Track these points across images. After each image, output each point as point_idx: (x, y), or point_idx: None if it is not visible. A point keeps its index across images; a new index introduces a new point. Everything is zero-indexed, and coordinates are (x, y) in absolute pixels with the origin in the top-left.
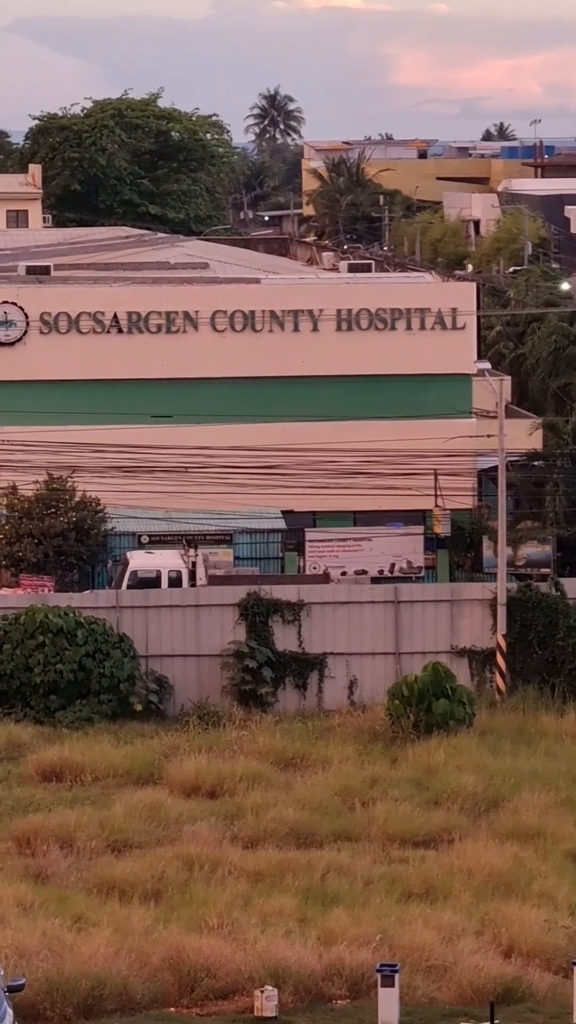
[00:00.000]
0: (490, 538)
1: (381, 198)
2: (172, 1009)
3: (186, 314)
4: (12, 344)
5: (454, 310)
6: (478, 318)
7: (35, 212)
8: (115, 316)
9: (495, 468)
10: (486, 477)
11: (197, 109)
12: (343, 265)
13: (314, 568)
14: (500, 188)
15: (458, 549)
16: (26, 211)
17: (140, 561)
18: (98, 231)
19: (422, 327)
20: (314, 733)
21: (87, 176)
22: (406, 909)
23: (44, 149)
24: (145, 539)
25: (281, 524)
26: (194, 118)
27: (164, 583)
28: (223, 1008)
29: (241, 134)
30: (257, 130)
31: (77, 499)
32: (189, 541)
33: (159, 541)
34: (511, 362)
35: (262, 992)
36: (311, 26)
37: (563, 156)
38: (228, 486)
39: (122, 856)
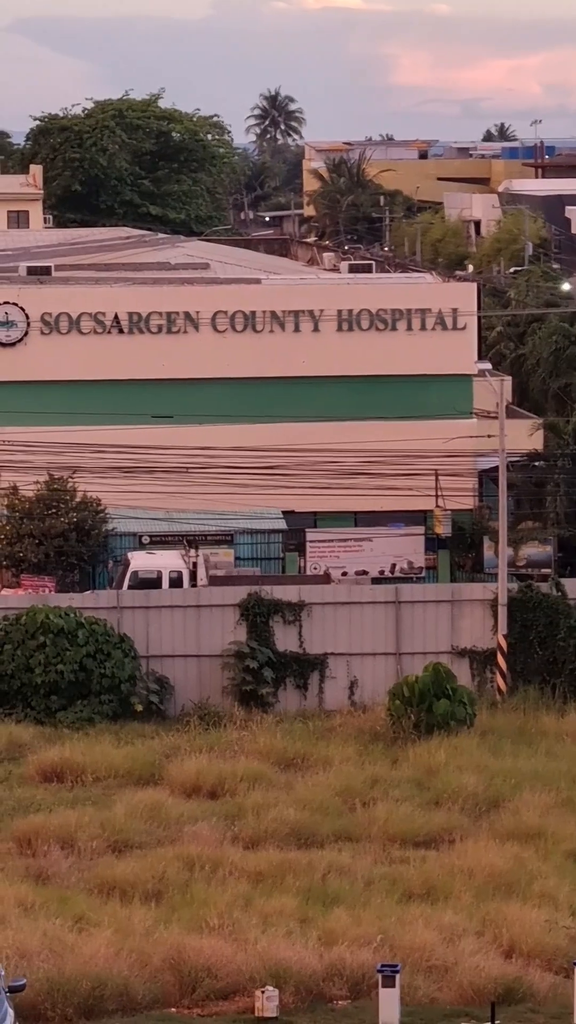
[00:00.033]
0: (491, 538)
1: (382, 199)
2: (173, 1009)
3: (187, 314)
4: (13, 344)
5: (455, 310)
6: (479, 318)
7: (36, 213)
8: (116, 317)
9: (496, 468)
10: (487, 477)
11: (198, 110)
12: (344, 266)
13: (315, 568)
14: (501, 188)
15: (459, 549)
16: (27, 212)
17: (141, 561)
18: (99, 232)
19: (423, 328)
20: (315, 733)
21: (88, 177)
22: (407, 909)
23: (45, 150)
24: (146, 539)
25: (282, 524)
26: (195, 119)
27: (165, 583)
28: (224, 1008)
29: (242, 134)
30: (258, 130)
31: (78, 499)
32: (190, 541)
33: (160, 541)
34: (512, 362)
35: (263, 992)
36: (311, 26)
37: (563, 156)
38: (229, 486)
39: (123, 856)
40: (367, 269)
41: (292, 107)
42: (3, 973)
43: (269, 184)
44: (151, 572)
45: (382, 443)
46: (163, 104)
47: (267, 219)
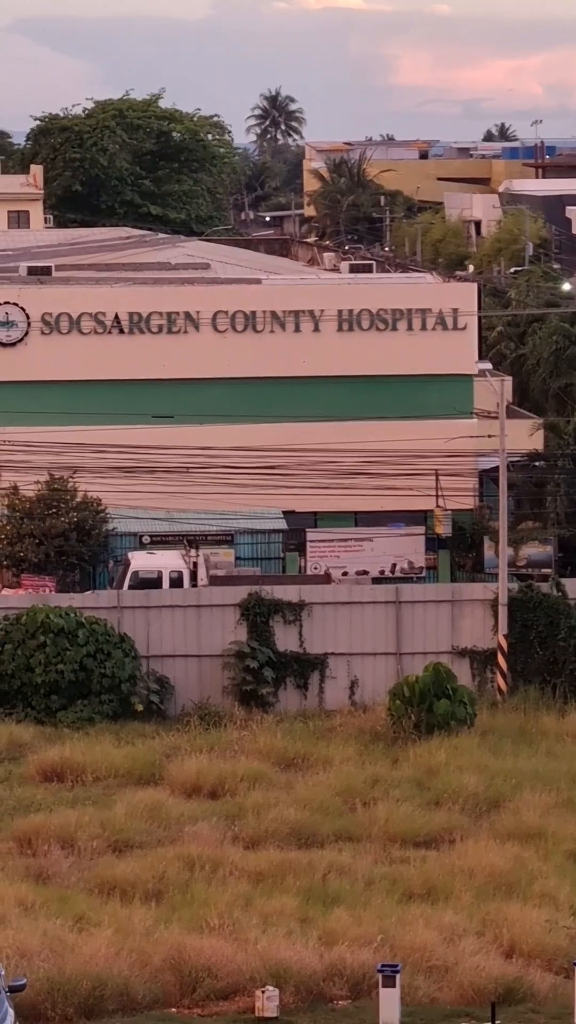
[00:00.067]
0: (491, 538)
1: (382, 199)
2: (173, 1009)
3: (187, 314)
4: (13, 344)
5: (455, 311)
6: (479, 319)
7: (36, 213)
8: (116, 317)
9: (496, 468)
10: (487, 477)
11: (198, 110)
12: (344, 266)
13: (315, 568)
14: (501, 189)
15: (459, 549)
16: (27, 212)
17: (141, 561)
18: (99, 232)
19: (423, 328)
20: (315, 733)
21: (88, 177)
22: (407, 909)
23: (45, 150)
24: (146, 539)
25: (282, 524)
26: (195, 119)
27: (165, 583)
28: (224, 1008)
29: (242, 135)
30: (258, 131)
31: (78, 499)
32: (190, 541)
33: (160, 541)
34: (512, 362)
35: (263, 992)
36: (312, 26)
37: (564, 156)
38: (229, 486)
39: (123, 856)
40: (367, 269)
41: (292, 107)
42: (3, 973)
43: (269, 184)
44: (151, 572)
45: (382, 443)
46: (163, 104)
47: (267, 219)
